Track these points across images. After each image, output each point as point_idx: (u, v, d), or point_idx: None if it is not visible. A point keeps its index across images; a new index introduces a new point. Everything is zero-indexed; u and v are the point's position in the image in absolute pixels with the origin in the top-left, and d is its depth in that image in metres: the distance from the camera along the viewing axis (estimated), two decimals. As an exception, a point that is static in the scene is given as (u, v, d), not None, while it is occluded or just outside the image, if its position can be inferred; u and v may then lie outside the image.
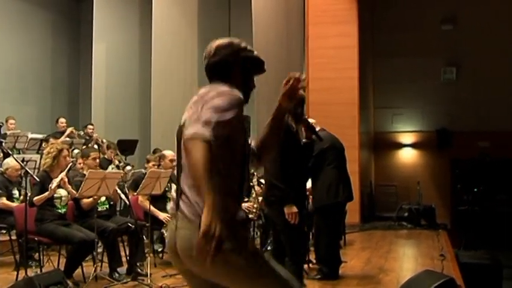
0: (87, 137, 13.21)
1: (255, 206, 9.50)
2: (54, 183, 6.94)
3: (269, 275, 2.86)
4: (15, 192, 8.62)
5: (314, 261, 8.21)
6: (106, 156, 11.30)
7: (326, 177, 7.50)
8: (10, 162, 8.74)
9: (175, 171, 8.54)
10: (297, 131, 5.53)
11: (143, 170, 9.95)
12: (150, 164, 9.60)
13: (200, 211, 2.57)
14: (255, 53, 3.10)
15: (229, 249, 2.67)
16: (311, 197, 8.37)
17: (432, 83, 17.90)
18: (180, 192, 2.86)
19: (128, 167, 11.11)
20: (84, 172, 7.70)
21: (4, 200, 8.30)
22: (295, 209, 5.34)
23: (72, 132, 12.67)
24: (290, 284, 2.91)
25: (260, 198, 9.50)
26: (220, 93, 2.78)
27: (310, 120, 7.88)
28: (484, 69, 17.14)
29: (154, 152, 11.52)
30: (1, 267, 6.39)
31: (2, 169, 8.81)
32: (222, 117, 2.67)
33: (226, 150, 2.71)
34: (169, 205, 3.04)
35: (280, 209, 5.36)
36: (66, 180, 7.10)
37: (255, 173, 10.10)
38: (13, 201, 8.48)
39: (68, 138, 12.11)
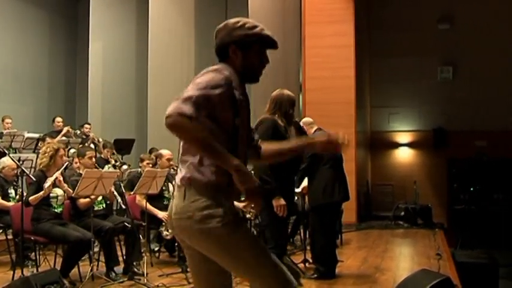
0: (84, 136, 13.19)
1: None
2: (48, 182, 6.93)
3: (260, 255, 2.92)
4: (11, 191, 8.60)
5: (311, 260, 8.22)
6: (102, 156, 11.28)
7: (322, 177, 7.51)
8: (6, 161, 8.73)
9: (171, 171, 8.59)
10: (285, 129, 5.53)
11: (139, 169, 9.94)
12: (145, 163, 9.58)
13: (182, 176, 2.91)
14: (257, 29, 3.13)
15: (214, 217, 2.85)
16: (306, 196, 8.38)
17: (429, 83, 17.92)
18: (179, 163, 3.03)
19: (125, 166, 11.09)
20: (81, 171, 7.69)
21: (0, 200, 8.28)
22: (283, 202, 5.31)
23: (68, 131, 12.65)
24: (283, 273, 2.95)
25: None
26: (205, 72, 2.92)
27: (307, 120, 7.93)
28: (481, 68, 17.17)
29: (151, 151, 11.51)
30: (-3, 267, 6.37)
31: None
32: (202, 92, 2.81)
33: (212, 126, 2.87)
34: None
35: (265, 202, 5.29)
36: (61, 179, 7.09)
37: (252, 172, 10.10)
38: (9, 201, 8.45)
39: (64, 138, 12.09)
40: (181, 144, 3.00)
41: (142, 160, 9.83)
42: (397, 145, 18.36)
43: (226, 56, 3.09)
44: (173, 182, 7.84)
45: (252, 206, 2.87)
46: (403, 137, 18.32)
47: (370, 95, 18.37)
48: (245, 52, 3.09)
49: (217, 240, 2.86)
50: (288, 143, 3.39)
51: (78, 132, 13.10)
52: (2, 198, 8.28)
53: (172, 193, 3.10)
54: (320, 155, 7.45)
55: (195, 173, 2.91)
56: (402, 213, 15.11)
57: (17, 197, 8.64)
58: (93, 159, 7.97)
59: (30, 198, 6.85)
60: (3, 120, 12.26)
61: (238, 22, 3.12)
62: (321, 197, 7.51)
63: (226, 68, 3.00)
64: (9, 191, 8.47)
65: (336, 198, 7.59)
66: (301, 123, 4.05)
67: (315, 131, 7.78)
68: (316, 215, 7.62)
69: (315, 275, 7.48)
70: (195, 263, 3.08)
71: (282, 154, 3.40)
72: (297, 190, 8.28)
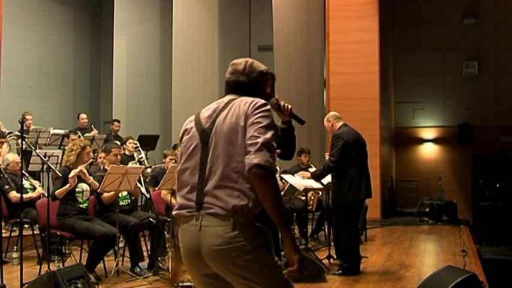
0: (109, 132, 13.28)
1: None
2: (72, 173, 6.99)
3: (281, 275, 2.94)
4: (25, 182, 8.68)
5: (335, 256, 8.21)
6: (126, 152, 11.32)
7: (348, 174, 7.48)
8: (9, 157, 8.94)
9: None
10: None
11: (162, 166, 9.98)
12: (168, 159, 9.60)
13: (230, 207, 2.84)
14: (261, 68, 3.34)
15: (261, 245, 2.89)
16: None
17: (454, 78, 17.77)
18: (202, 193, 2.93)
19: (148, 170, 11.04)
20: (106, 167, 7.76)
21: (15, 193, 8.37)
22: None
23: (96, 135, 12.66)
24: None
25: (282, 193, 9.50)
26: (263, 112, 2.97)
27: (333, 114, 7.91)
28: (506, 63, 17.00)
29: (175, 147, 11.54)
30: (24, 262, 6.43)
31: (3, 166, 8.89)
32: (271, 136, 2.90)
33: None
34: (175, 210, 3.07)
35: None
36: (85, 171, 7.16)
37: (277, 167, 10.12)
38: (27, 192, 8.57)
39: (89, 135, 12.19)
40: (213, 165, 2.95)
41: (165, 156, 9.86)
42: (422, 141, 18.23)
43: (253, 96, 3.12)
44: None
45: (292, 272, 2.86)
46: (428, 133, 18.19)
47: (394, 91, 18.25)
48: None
49: (264, 267, 2.89)
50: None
51: (105, 136, 13.11)
52: (18, 192, 8.27)
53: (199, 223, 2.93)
54: (348, 151, 7.43)
55: (243, 201, 2.87)
56: (427, 210, 15.00)
57: (32, 187, 8.80)
58: (118, 157, 8.04)
59: (57, 192, 6.94)
60: (24, 117, 12.35)
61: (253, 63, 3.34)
62: (346, 195, 7.49)
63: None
64: (23, 183, 8.46)
65: (361, 196, 7.59)
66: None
67: (341, 126, 7.73)
68: (340, 213, 7.59)
69: (340, 271, 7.48)
70: (201, 282, 3.08)
71: None
72: (319, 186, 8.28)
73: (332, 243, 8.14)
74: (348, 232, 7.55)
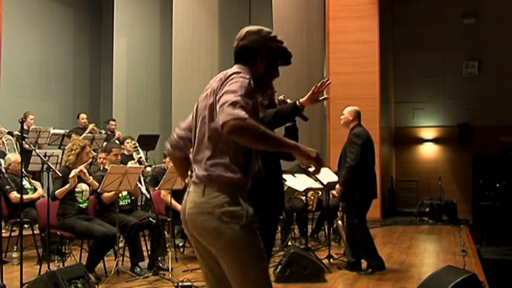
0: (109, 133, 13.28)
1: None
2: (72, 173, 7.00)
3: (261, 269, 3.01)
4: (25, 183, 8.69)
5: (335, 256, 8.22)
6: (125, 151, 11.32)
7: (362, 173, 7.48)
8: (11, 157, 8.96)
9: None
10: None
11: (163, 165, 9.99)
12: (167, 159, 9.61)
13: (201, 175, 2.98)
14: (284, 44, 3.29)
15: (233, 216, 2.92)
16: (333, 191, 8.38)
17: (454, 78, 17.79)
18: (193, 163, 3.11)
19: (148, 169, 11.08)
20: (106, 167, 7.77)
21: (15, 194, 8.37)
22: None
23: (93, 129, 12.71)
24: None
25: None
26: (232, 77, 2.98)
27: (353, 108, 7.87)
28: (506, 63, 17.02)
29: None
30: (24, 261, 6.43)
31: (5, 166, 8.90)
32: (243, 98, 2.84)
33: None
34: None
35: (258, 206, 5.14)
36: (85, 171, 7.16)
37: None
38: (27, 193, 8.57)
39: (89, 134, 12.17)
40: (195, 143, 3.11)
41: (165, 156, 9.88)
42: (422, 141, 18.24)
43: (250, 60, 3.18)
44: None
45: (315, 169, 3.00)
46: (428, 133, 18.20)
47: (394, 91, 18.26)
48: (269, 63, 3.22)
49: (231, 240, 2.91)
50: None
51: (103, 131, 13.16)
52: (18, 192, 8.27)
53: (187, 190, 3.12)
54: (361, 151, 7.40)
55: (215, 170, 2.97)
56: (427, 209, 15.01)
57: (33, 187, 8.82)
58: (119, 157, 8.05)
59: (57, 192, 6.95)
60: (26, 117, 12.35)
61: (271, 33, 3.28)
62: (360, 194, 7.49)
63: (248, 73, 3.08)
64: (24, 184, 8.48)
65: (373, 196, 7.64)
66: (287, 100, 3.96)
67: (357, 125, 7.67)
68: (354, 212, 7.57)
69: (370, 270, 7.51)
70: (205, 262, 3.15)
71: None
72: (319, 186, 8.28)
73: (332, 243, 8.14)
74: (364, 231, 7.58)
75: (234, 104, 2.78)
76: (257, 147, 2.91)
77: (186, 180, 3.23)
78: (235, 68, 3.12)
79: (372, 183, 7.67)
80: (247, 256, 2.95)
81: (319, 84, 4.10)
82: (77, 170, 7.06)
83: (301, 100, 3.97)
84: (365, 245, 7.59)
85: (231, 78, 2.98)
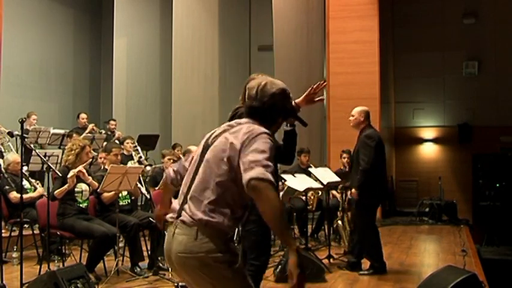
0: (109, 133, 13.28)
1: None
2: (71, 173, 6.99)
3: None
4: (25, 183, 8.67)
5: (335, 256, 8.22)
6: (125, 151, 11.31)
7: (375, 175, 7.47)
8: (10, 157, 8.93)
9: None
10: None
11: (161, 165, 9.99)
12: (166, 159, 9.63)
13: (197, 218, 2.95)
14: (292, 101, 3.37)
15: (223, 261, 2.95)
16: (333, 191, 8.38)
17: (454, 78, 17.79)
18: (184, 202, 3.08)
19: (148, 168, 11.11)
20: (106, 167, 7.76)
21: (15, 194, 8.36)
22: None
23: (93, 129, 12.72)
24: None
25: (280, 194, 9.51)
26: (259, 136, 3.01)
27: (363, 108, 7.83)
28: (506, 63, 17.01)
29: (174, 147, 11.55)
30: (24, 261, 6.42)
31: (4, 166, 8.88)
32: (270, 162, 2.91)
33: None
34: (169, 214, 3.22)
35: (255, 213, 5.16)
36: (84, 171, 7.16)
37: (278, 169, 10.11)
38: (27, 193, 8.56)
39: (89, 134, 12.17)
40: (195, 180, 3.10)
41: (163, 156, 9.90)
42: (422, 141, 18.24)
43: (272, 122, 3.24)
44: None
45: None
46: (428, 133, 18.20)
47: (394, 91, 18.26)
48: (281, 120, 3.32)
49: (223, 279, 2.97)
50: None
51: (103, 131, 13.16)
52: (18, 192, 8.25)
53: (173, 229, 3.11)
54: (375, 153, 7.38)
55: (216, 217, 2.98)
56: (427, 209, 15.01)
57: (32, 187, 8.81)
58: (119, 157, 8.05)
59: (56, 192, 6.94)
60: (29, 117, 12.36)
61: (286, 90, 3.29)
62: (374, 195, 7.49)
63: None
64: (24, 183, 8.46)
65: (385, 197, 7.64)
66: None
67: (367, 126, 7.63)
68: (367, 213, 7.56)
69: (371, 271, 7.50)
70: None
71: None
72: (319, 186, 8.28)
73: (332, 243, 8.14)
74: (375, 232, 7.58)
75: (266, 167, 2.84)
76: (264, 215, 2.84)
77: (170, 217, 3.17)
78: (261, 127, 3.11)
79: (383, 185, 7.65)
80: None
81: (315, 86, 4.09)
82: (76, 170, 7.05)
83: (297, 101, 3.97)
84: (374, 247, 7.57)
85: (260, 136, 3.01)
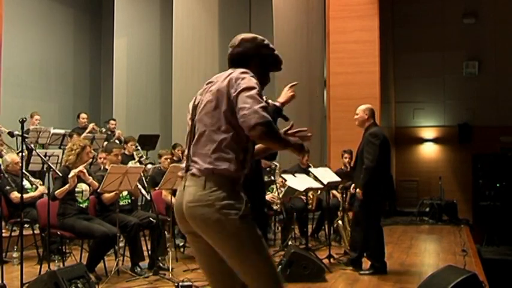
0: (109, 132, 13.28)
1: (280, 196, 9.51)
2: (72, 173, 6.99)
3: (263, 254, 3.12)
4: (25, 183, 8.65)
5: (335, 256, 8.22)
6: (126, 152, 11.33)
7: (380, 174, 7.46)
8: (8, 158, 8.91)
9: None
10: None
11: (159, 166, 10.02)
12: (163, 159, 9.68)
13: (203, 168, 3.09)
14: (276, 51, 3.44)
15: (231, 208, 3.04)
16: (333, 191, 8.38)
17: (454, 78, 17.80)
18: (189, 158, 3.24)
19: (149, 165, 11.15)
20: (106, 167, 7.77)
21: (16, 194, 8.34)
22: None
23: (93, 128, 12.72)
24: (278, 276, 3.19)
25: (283, 190, 9.52)
26: (243, 75, 3.15)
27: (367, 106, 7.81)
28: (507, 63, 17.02)
29: (174, 146, 11.56)
30: (25, 261, 6.41)
31: (3, 167, 8.87)
32: (260, 98, 3.07)
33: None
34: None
35: None
36: (85, 171, 7.15)
37: (277, 167, 10.13)
38: (27, 193, 8.55)
39: (89, 134, 12.16)
40: (196, 136, 3.23)
41: (160, 156, 9.94)
42: (422, 141, 18.26)
43: (244, 66, 3.31)
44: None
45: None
46: (428, 133, 18.21)
47: (394, 91, 18.27)
48: (261, 70, 3.38)
49: (231, 232, 3.03)
50: None
51: (103, 130, 13.18)
52: (19, 192, 8.23)
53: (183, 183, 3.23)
54: (380, 152, 7.37)
55: (221, 164, 3.08)
56: (427, 209, 15.02)
57: (33, 186, 8.82)
58: (119, 157, 8.06)
59: (56, 192, 6.94)
60: (32, 117, 12.38)
61: (264, 40, 3.45)
62: (379, 194, 7.48)
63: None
64: (24, 183, 8.42)
65: (390, 196, 7.63)
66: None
67: (372, 124, 7.63)
68: (371, 213, 7.55)
69: (371, 271, 7.49)
70: (205, 254, 3.26)
71: (266, 150, 3.72)
72: (319, 185, 8.28)
73: (332, 243, 8.14)
74: (379, 233, 7.57)
75: (262, 108, 2.99)
76: (271, 147, 3.16)
77: (180, 174, 3.30)
78: (238, 70, 3.23)
79: (388, 184, 7.62)
80: (250, 245, 3.08)
81: (290, 85, 4.11)
82: (76, 170, 7.05)
83: (280, 100, 4.00)
84: (377, 247, 7.56)
85: (243, 74, 3.16)
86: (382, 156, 7.41)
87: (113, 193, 7.35)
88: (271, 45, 3.44)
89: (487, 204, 16.27)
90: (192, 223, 3.12)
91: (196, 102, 3.33)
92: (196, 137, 3.22)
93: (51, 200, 6.87)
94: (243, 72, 3.15)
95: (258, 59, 3.37)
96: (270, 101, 3.68)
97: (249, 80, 3.10)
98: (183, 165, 3.28)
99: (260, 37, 3.44)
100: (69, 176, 6.98)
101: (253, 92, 3.03)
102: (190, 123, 3.33)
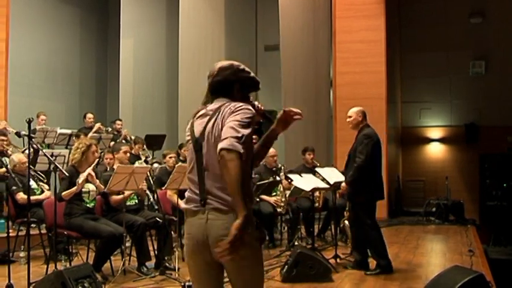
0: (116, 132, 13.29)
1: (283, 199, 9.52)
2: (81, 177, 7.01)
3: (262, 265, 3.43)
4: (32, 183, 8.65)
5: (342, 256, 8.20)
6: (133, 152, 11.35)
7: (372, 173, 7.51)
8: (15, 158, 8.90)
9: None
10: None
11: (164, 166, 10.03)
12: (168, 158, 9.71)
13: (230, 205, 3.13)
14: (252, 74, 3.54)
15: (254, 236, 3.21)
16: (339, 191, 8.36)
17: (460, 77, 17.74)
18: (205, 191, 3.27)
19: (156, 165, 11.17)
20: (114, 166, 7.77)
21: (22, 195, 8.35)
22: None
23: (99, 128, 12.73)
24: None
25: (287, 192, 9.52)
26: (239, 109, 3.27)
27: (359, 109, 7.86)
28: (514, 62, 16.96)
29: (180, 146, 11.57)
30: (32, 261, 6.43)
31: (10, 167, 8.88)
32: (248, 131, 3.17)
33: (247, 156, 3.19)
34: (184, 204, 3.42)
35: None
36: (93, 174, 7.16)
37: (283, 167, 10.12)
38: (34, 194, 8.55)
39: (96, 134, 12.18)
40: (208, 168, 3.29)
41: (164, 156, 9.96)
42: (429, 140, 18.22)
43: (227, 93, 3.43)
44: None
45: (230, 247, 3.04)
46: (435, 133, 18.17)
47: (401, 90, 18.23)
48: (242, 92, 3.48)
49: (255, 260, 3.29)
50: (260, 140, 3.68)
51: (110, 129, 13.19)
52: (25, 193, 8.24)
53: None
54: (372, 152, 7.41)
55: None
56: (434, 209, 14.96)
57: (40, 187, 8.82)
58: (128, 154, 8.08)
59: (63, 193, 6.94)
60: (38, 117, 12.41)
61: (240, 65, 3.52)
62: (370, 193, 7.51)
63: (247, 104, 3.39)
64: (31, 184, 8.41)
65: (382, 195, 7.65)
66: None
67: (365, 126, 7.67)
68: (364, 212, 7.56)
69: (378, 270, 7.49)
70: (201, 270, 3.48)
71: (261, 147, 3.67)
72: (325, 186, 8.27)
73: (339, 243, 8.13)
74: (377, 231, 7.58)
75: (237, 138, 3.07)
76: (227, 184, 3.07)
77: (193, 208, 3.34)
78: (233, 101, 3.36)
79: (378, 185, 7.66)
80: (260, 267, 3.40)
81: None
82: (85, 173, 7.05)
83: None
84: (378, 245, 7.57)
85: (240, 108, 3.26)
86: (374, 157, 7.52)
87: (121, 196, 7.38)
88: (246, 69, 3.52)
89: (494, 204, 16.23)
90: (220, 252, 3.18)
91: (197, 135, 3.37)
92: (210, 171, 3.27)
93: (58, 201, 6.87)
94: (243, 106, 3.28)
95: (239, 84, 3.46)
96: (256, 102, 3.68)
97: (245, 114, 3.23)
98: (193, 195, 3.32)
99: (236, 63, 3.52)
100: (79, 181, 6.98)
101: (239, 126, 3.14)
102: (194, 154, 3.35)
